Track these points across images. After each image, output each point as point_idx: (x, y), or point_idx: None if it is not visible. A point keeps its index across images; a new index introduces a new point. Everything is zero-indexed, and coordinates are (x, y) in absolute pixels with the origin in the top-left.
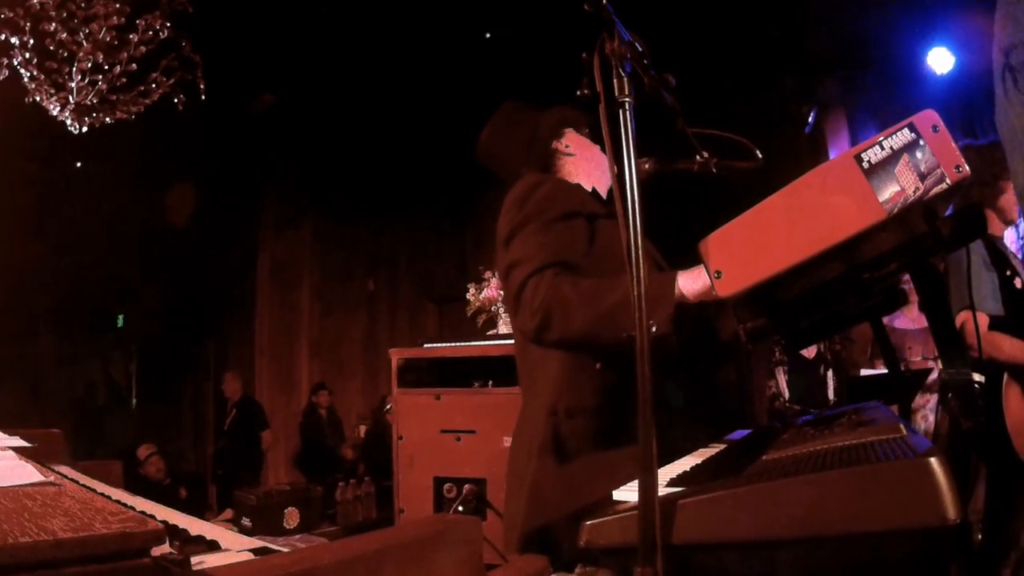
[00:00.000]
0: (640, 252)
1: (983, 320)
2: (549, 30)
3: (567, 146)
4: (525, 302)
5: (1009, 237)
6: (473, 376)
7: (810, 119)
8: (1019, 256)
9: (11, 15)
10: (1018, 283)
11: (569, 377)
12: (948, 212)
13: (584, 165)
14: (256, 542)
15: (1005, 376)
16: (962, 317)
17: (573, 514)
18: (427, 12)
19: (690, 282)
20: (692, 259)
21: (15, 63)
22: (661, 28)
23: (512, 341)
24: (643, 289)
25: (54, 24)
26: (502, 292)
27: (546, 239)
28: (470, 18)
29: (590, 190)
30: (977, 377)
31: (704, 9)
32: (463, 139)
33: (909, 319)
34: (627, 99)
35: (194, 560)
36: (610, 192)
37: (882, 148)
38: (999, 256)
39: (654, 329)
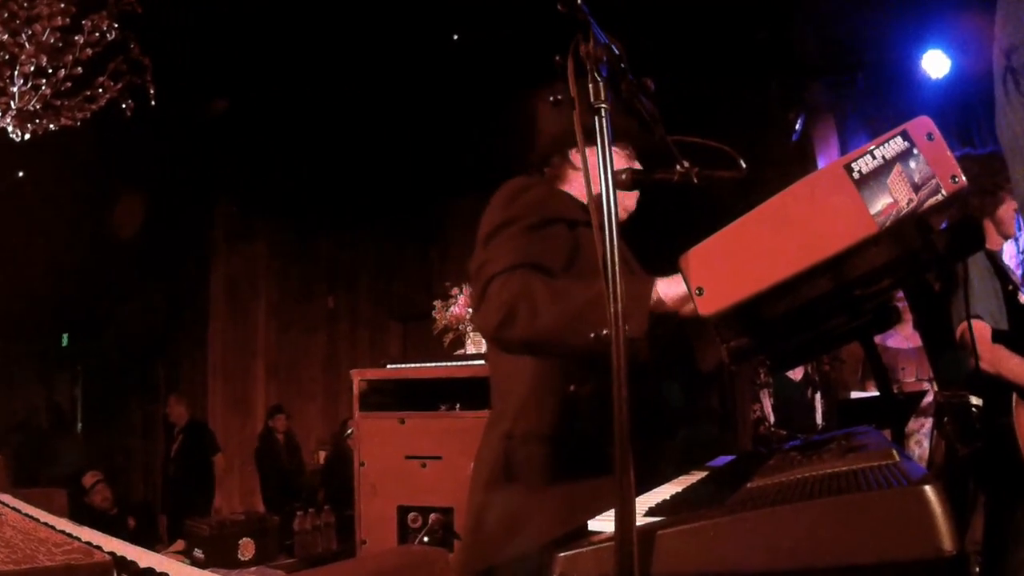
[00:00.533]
0: (615, 262)
1: (985, 330)
2: (521, 32)
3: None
4: (490, 297)
5: (1008, 252)
6: (439, 399)
7: (797, 126)
8: (1017, 272)
9: None
10: (1021, 298)
11: (533, 398)
12: (944, 225)
13: (575, 176)
14: (209, 575)
15: (1014, 397)
16: (963, 328)
17: (515, 556)
18: (391, 12)
19: (669, 287)
20: (672, 274)
21: None
22: (639, 30)
23: (481, 362)
24: (619, 297)
25: None
26: (471, 297)
27: (524, 243)
28: (436, 18)
29: (584, 200)
30: (975, 400)
31: (684, 9)
32: (429, 146)
33: (902, 338)
34: (603, 105)
35: None
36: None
37: (873, 157)
38: (1000, 271)
39: (627, 329)
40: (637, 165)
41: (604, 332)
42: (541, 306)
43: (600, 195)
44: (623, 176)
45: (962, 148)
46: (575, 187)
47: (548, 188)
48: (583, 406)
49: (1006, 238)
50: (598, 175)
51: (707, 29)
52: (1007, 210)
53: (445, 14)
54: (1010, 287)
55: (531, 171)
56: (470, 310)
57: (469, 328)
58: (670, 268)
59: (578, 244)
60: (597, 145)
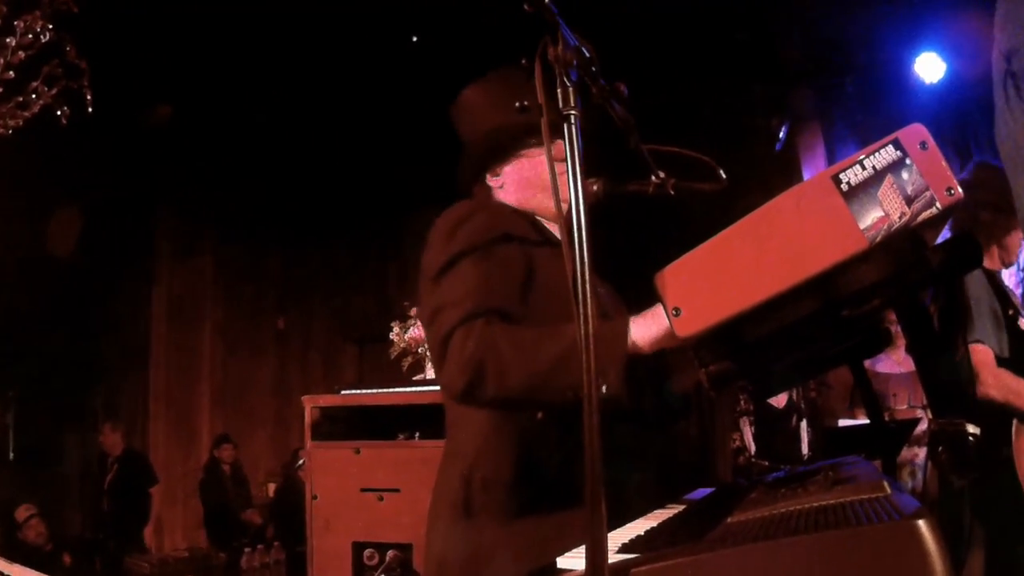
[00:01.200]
0: (588, 290)
1: (988, 354)
2: (485, 33)
3: (496, 174)
4: (452, 356)
5: (1008, 271)
6: (398, 427)
7: (781, 134)
8: (1019, 294)
9: None
10: (1022, 323)
11: (491, 436)
12: (939, 240)
13: (534, 181)
14: None
15: (1015, 424)
16: (972, 351)
17: None
18: (347, 14)
19: (644, 329)
20: (646, 293)
21: None
22: (611, 32)
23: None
24: (591, 335)
25: None
26: (430, 352)
27: (477, 283)
28: (394, 19)
29: (528, 209)
30: (972, 428)
31: (658, 9)
32: (388, 156)
33: (894, 362)
34: (573, 112)
35: None
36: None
37: (863, 168)
38: (1001, 293)
39: (604, 390)
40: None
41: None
42: (509, 365)
43: (568, 211)
44: (594, 187)
45: (958, 158)
46: (519, 195)
47: (490, 210)
48: (551, 434)
49: (1006, 265)
50: (567, 188)
51: (684, 30)
52: (1015, 238)
53: (404, 15)
54: (1010, 311)
55: (467, 179)
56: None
57: (429, 351)
58: (644, 287)
59: (532, 266)
60: (567, 159)
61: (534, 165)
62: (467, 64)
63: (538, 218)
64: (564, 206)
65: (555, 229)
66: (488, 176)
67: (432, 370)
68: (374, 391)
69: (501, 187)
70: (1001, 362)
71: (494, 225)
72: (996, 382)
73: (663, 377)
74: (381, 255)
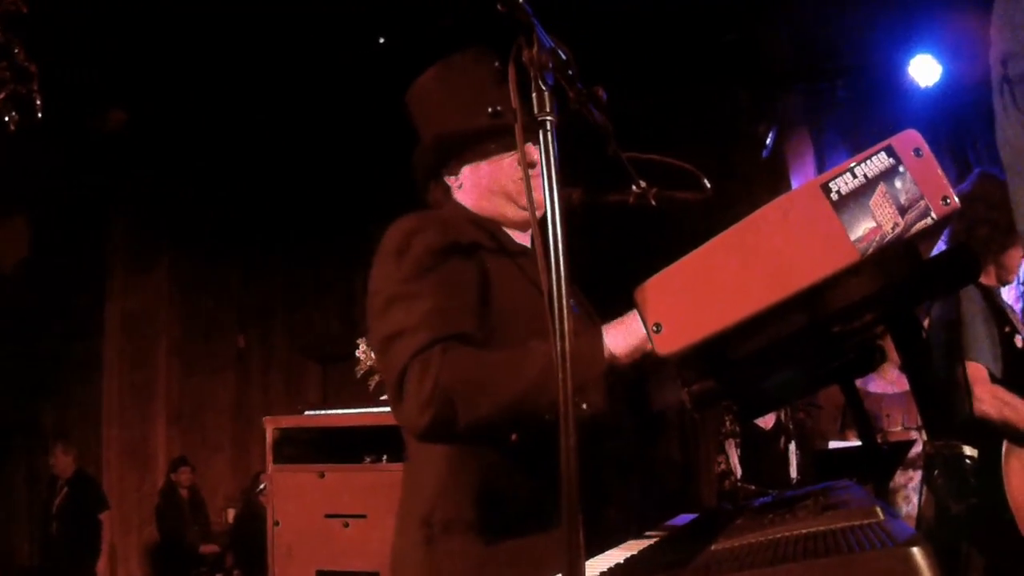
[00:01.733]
0: (564, 306)
1: (982, 372)
2: (456, 34)
3: (453, 173)
4: (410, 393)
5: (1007, 287)
6: (364, 450)
7: (768, 141)
8: (1017, 310)
9: None
10: (1019, 341)
11: (452, 473)
12: (934, 253)
13: (494, 188)
14: None
15: (1004, 446)
16: (959, 372)
17: None
18: (309, 13)
19: (620, 339)
20: (626, 309)
21: None
22: (589, 33)
23: None
24: (567, 354)
25: None
26: (386, 385)
27: (432, 304)
28: (359, 20)
29: (479, 213)
30: (969, 451)
31: (640, 9)
32: (352, 163)
33: (887, 382)
34: (548, 117)
35: None
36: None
37: (854, 176)
38: (997, 310)
39: (584, 408)
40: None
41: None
42: (478, 393)
43: (543, 219)
44: (572, 198)
45: (955, 166)
46: (478, 199)
47: (442, 220)
48: (518, 466)
49: (1003, 283)
50: (539, 194)
51: (666, 31)
52: (1014, 256)
53: (369, 16)
54: (1007, 328)
55: (422, 174)
56: None
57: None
58: (624, 301)
59: (488, 279)
60: (542, 166)
61: (494, 170)
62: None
63: (498, 225)
64: (538, 212)
65: (517, 236)
66: (445, 174)
67: None
68: (339, 412)
69: (460, 187)
70: (996, 381)
71: (446, 239)
72: (991, 398)
73: (642, 390)
74: (346, 268)
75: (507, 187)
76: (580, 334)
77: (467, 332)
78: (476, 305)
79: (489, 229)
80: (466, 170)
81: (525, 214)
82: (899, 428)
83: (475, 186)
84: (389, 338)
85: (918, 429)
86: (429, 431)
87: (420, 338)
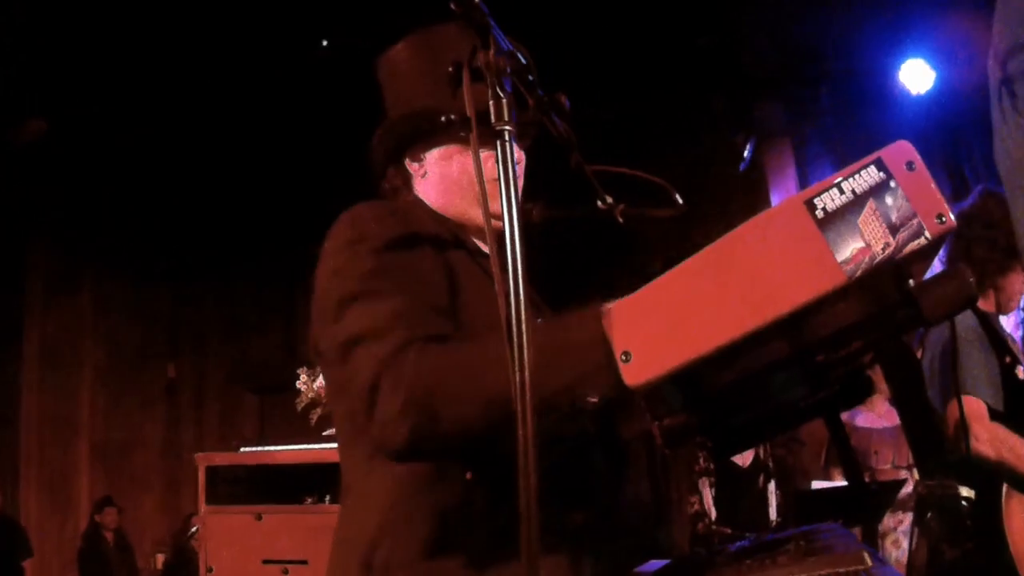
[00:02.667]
0: (525, 334)
1: (980, 407)
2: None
3: (418, 159)
4: (383, 403)
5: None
6: (304, 490)
7: (746, 153)
8: (1017, 338)
9: None
10: (1020, 372)
11: (400, 507)
12: (928, 275)
13: (461, 181)
14: None
15: (1004, 488)
16: (953, 403)
17: None
18: (245, 15)
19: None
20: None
21: None
22: (552, 35)
23: None
24: (526, 383)
25: None
26: (330, 381)
27: (400, 302)
28: (300, 23)
29: (439, 210)
30: (965, 492)
31: (606, 10)
32: (291, 176)
33: (876, 415)
34: (506, 127)
35: None
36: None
37: (841, 191)
38: (997, 339)
39: (593, 399)
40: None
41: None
42: (464, 389)
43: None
44: (532, 214)
45: (950, 180)
46: (441, 194)
47: (401, 208)
48: (477, 500)
49: (1003, 311)
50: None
51: (635, 33)
52: (1015, 281)
53: (310, 17)
54: (1007, 359)
55: (383, 156)
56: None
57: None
58: None
59: (452, 272)
60: (499, 180)
61: (464, 160)
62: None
63: (460, 227)
64: (494, 223)
65: (480, 244)
66: (408, 159)
67: None
68: (278, 448)
69: (423, 175)
70: (995, 416)
71: (407, 228)
72: (989, 437)
73: (608, 421)
74: (286, 291)
75: (475, 183)
76: (569, 317)
77: (442, 331)
78: (446, 304)
79: (450, 228)
80: (434, 155)
81: (497, 222)
82: (888, 466)
83: (443, 177)
84: (348, 344)
85: (908, 468)
86: (409, 447)
87: (388, 343)
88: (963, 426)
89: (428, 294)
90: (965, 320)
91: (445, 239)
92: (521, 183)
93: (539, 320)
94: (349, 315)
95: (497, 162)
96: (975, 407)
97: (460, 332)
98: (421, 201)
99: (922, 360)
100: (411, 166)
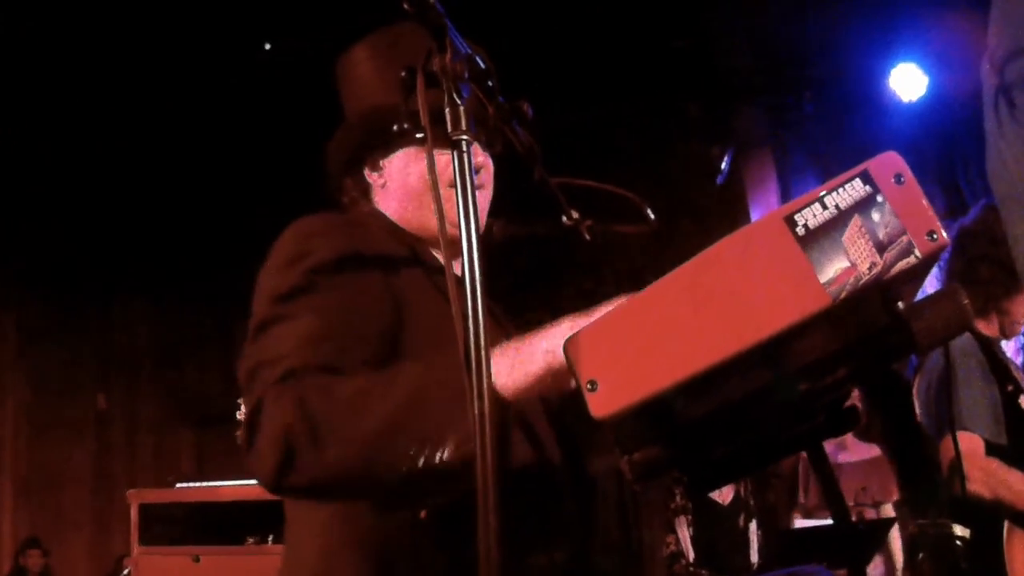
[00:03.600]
0: (485, 360)
1: (976, 443)
2: (353, 37)
3: (377, 168)
4: (261, 431)
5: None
6: (246, 529)
7: (723, 164)
8: (1019, 363)
9: None
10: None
11: (340, 549)
12: (919, 297)
13: (422, 188)
14: None
15: (1005, 526)
16: (948, 439)
17: None
18: (177, 13)
19: (514, 364)
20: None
21: None
22: (514, 38)
23: None
24: (486, 410)
25: None
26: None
27: (314, 327)
28: (240, 24)
29: (398, 222)
30: (959, 531)
31: (573, 10)
32: (232, 190)
33: (863, 448)
34: (464, 136)
35: None
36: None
37: (824, 207)
38: (998, 366)
39: (444, 456)
40: (480, 153)
41: (444, 452)
42: (328, 427)
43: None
44: (492, 230)
45: (944, 195)
46: (402, 203)
47: (353, 226)
48: (425, 543)
49: (1007, 335)
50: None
51: (604, 35)
52: (1021, 304)
53: (252, 17)
54: (1010, 387)
55: (339, 167)
56: None
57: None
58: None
59: (399, 296)
60: (457, 194)
61: (423, 167)
62: (329, 77)
63: (420, 241)
64: (450, 230)
65: (441, 257)
66: (366, 169)
67: None
68: (217, 484)
69: (383, 186)
70: (997, 450)
71: (351, 247)
72: (983, 476)
73: (574, 453)
74: (225, 315)
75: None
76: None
77: (346, 362)
78: (373, 334)
79: (408, 243)
80: (394, 162)
81: (454, 230)
82: (851, 504)
83: (402, 186)
84: (253, 370)
85: (874, 506)
86: (275, 480)
87: (283, 367)
88: (958, 465)
89: (352, 322)
90: (964, 345)
91: (399, 256)
92: (490, 193)
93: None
94: (261, 340)
95: (454, 174)
96: (969, 444)
97: (404, 358)
98: (379, 213)
99: (917, 387)
100: (370, 176)
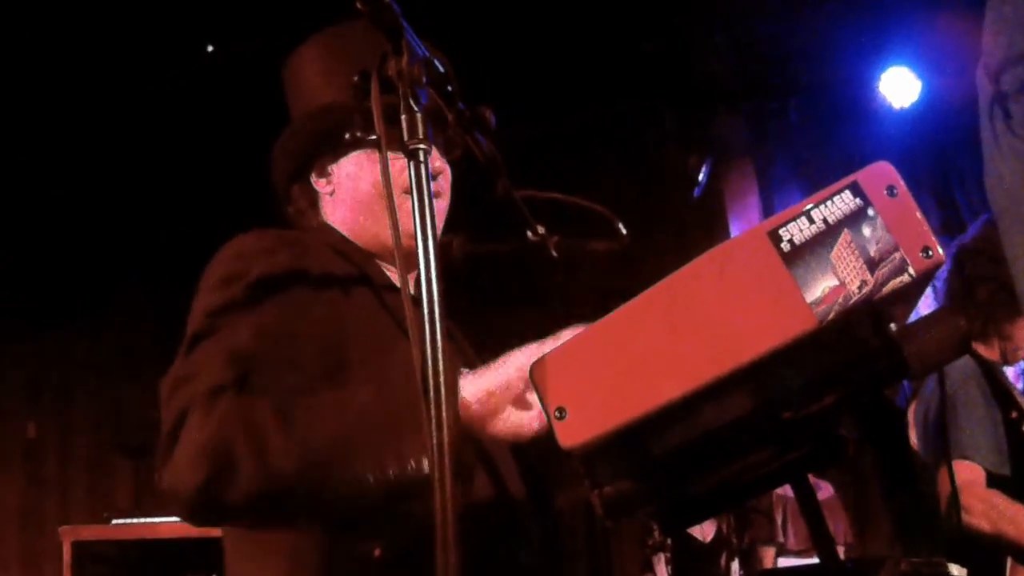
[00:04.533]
0: (444, 385)
1: (976, 473)
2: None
3: (326, 174)
4: (183, 443)
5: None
6: (187, 568)
7: (701, 176)
8: (1021, 388)
9: None
10: None
11: None
12: (912, 318)
13: (373, 196)
14: None
15: (1008, 564)
16: (944, 475)
17: None
18: (114, 13)
19: (482, 382)
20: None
21: None
22: (476, 40)
23: None
24: (445, 440)
25: None
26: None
27: (242, 345)
28: (181, 24)
29: (345, 232)
30: (956, 570)
31: (538, 10)
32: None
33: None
34: (421, 146)
35: None
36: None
37: (811, 221)
38: (1001, 391)
39: (411, 467)
40: (439, 159)
41: (410, 465)
42: (274, 440)
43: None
44: (452, 247)
45: (939, 208)
46: (351, 214)
47: (295, 240)
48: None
49: (1010, 361)
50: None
51: (572, 37)
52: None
53: (193, 17)
54: (1014, 414)
55: (284, 176)
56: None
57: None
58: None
59: (342, 319)
60: (413, 207)
61: (376, 172)
62: (275, 82)
63: (369, 257)
64: (407, 241)
65: (393, 273)
66: (313, 176)
67: None
68: (156, 520)
69: (331, 194)
70: (999, 481)
71: (291, 264)
72: (984, 508)
73: (541, 485)
74: (166, 337)
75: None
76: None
77: (278, 383)
78: (311, 354)
79: (356, 261)
80: (343, 167)
81: (410, 242)
82: (808, 546)
83: (352, 194)
84: (176, 384)
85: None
86: (200, 500)
87: (212, 380)
88: (955, 496)
89: (284, 343)
90: (965, 370)
91: (345, 275)
92: (447, 201)
93: (463, 368)
94: (189, 356)
95: (411, 184)
96: (970, 474)
97: (346, 382)
98: (327, 227)
99: (914, 414)
100: (317, 183)
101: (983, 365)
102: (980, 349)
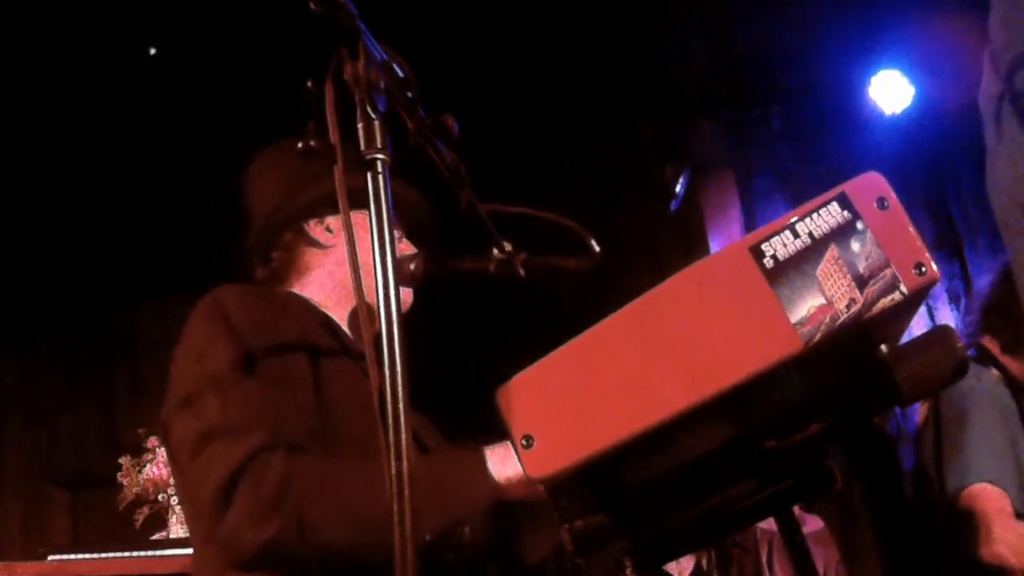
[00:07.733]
0: (403, 420)
1: (1002, 500)
2: (254, 43)
3: (328, 229)
4: (243, 500)
5: None
6: None
7: (678, 188)
8: None
9: None
10: None
11: None
12: (905, 339)
13: (337, 270)
14: None
15: None
16: (968, 493)
17: None
18: (50, 13)
19: (503, 464)
20: (482, 416)
21: None
22: (437, 43)
23: (191, 550)
24: (404, 469)
25: None
26: (178, 474)
27: (264, 399)
28: (121, 26)
29: (323, 306)
30: None
31: (503, 12)
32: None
33: (808, 521)
34: (379, 156)
35: None
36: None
37: (795, 235)
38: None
39: (467, 533)
40: (409, 248)
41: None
42: (335, 507)
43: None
44: (411, 266)
45: (932, 222)
46: (314, 284)
47: (272, 300)
48: None
49: (1019, 391)
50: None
51: (540, 41)
52: None
53: (134, 19)
54: None
55: (252, 264)
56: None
57: (174, 499)
58: (482, 408)
59: (319, 372)
60: (371, 221)
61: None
62: (231, 89)
63: (340, 327)
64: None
65: (356, 338)
66: (312, 222)
67: (177, 525)
68: (95, 556)
69: (331, 247)
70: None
71: (275, 315)
72: (1013, 539)
73: (513, 540)
74: (104, 360)
75: (341, 279)
76: (459, 455)
77: (303, 440)
78: (310, 412)
79: (331, 326)
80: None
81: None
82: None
83: (334, 271)
84: (206, 436)
85: None
86: (263, 551)
87: (248, 442)
88: (970, 523)
89: (295, 390)
90: (992, 390)
91: (319, 335)
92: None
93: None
94: (202, 406)
95: (368, 200)
96: (994, 501)
97: (327, 436)
98: (293, 295)
99: (924, 431)
100: (314, 229)
101: (1009, 381)
102: (1008, 362)
